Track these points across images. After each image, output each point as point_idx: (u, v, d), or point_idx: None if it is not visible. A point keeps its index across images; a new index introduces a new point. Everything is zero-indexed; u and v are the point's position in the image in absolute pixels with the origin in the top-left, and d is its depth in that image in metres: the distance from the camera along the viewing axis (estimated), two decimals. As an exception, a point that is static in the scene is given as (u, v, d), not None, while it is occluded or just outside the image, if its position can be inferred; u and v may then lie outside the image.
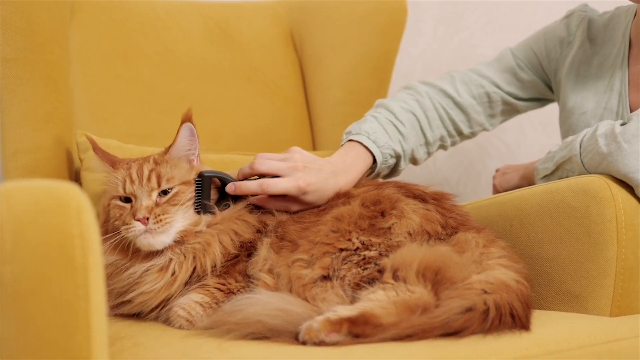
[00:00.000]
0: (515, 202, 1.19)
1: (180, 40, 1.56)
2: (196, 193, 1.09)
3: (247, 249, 1.08)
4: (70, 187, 0.69)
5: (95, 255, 0.68)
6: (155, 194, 1.05)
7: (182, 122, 1.10)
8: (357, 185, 1.19)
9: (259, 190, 1.10)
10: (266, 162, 1.13)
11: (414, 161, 1.38)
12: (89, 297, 0.67)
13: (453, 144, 1.45)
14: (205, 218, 1.08)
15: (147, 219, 1.01)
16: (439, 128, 1.40)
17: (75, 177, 1.32)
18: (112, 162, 1.11)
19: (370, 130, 1.27)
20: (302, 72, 1.72)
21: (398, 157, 1.31)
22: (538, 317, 0.95)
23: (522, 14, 2.07)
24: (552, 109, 1.61)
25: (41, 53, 1.26)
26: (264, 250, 1.06)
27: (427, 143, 1.38)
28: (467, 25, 2.10)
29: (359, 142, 1.25)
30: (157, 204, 1.04)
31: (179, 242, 1.05)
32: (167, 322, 1.03)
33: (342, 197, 1.13)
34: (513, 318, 0.89)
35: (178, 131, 1.10)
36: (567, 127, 1.38)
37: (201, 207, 1.09)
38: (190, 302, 1.01)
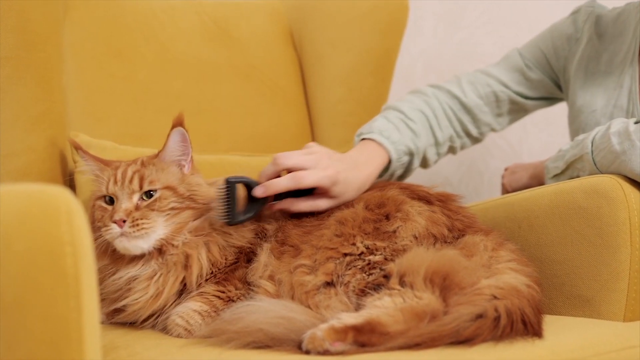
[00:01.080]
0: (523, 203, 1.17)
1: (177, 38, 1.53)
2: (226, 202, 1.03)
3: (246, 255, 1.05)
4: (61, 191, 0.65)
5: (87, 264, 0.64)
6: (136, 197, 1.02)
7: (173, 126, 1.06)
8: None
9: (292, 184, 1.05)
10: (290, 156, 1.08)
11: (424, 162, 1.37)
12: (81, 308, 0.64)
13: (462, 146, 1.43)
14: (189, 226, 1.04)
15: (124, 221, 0.99)
16: (448, 128, 1.38)
17: (70, 179, 1.29)
18: (104, 162, 1.09)
19: (382, 127, 1.25)
20: (301, 71, 1.69)
21: (411, 155, 1.30)
22: (550, 323, 0.92)
23: (523, 12, 2.05)
24: (556, 107, 1.60)
25: (33, 52, 1.22)
26: (264, 256, 1.03)
27: (436, 143, 1.36)
28: (468, 23, 2.09)
29: (373, 140, 1.23)
30: (137, 208, 1.01)
31: (161, 251, 1.02)
32: (165, 330, 1.00)
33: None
34: (525, 325, 0.86)
35: (168, 136, 1.07)
36: (577, 125, 1.36)
37: (230, 216, 1.03)
38: (189, 311, 0.98)
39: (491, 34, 2.07)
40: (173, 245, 1.02)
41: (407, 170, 1.32)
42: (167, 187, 1.04)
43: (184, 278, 1.01)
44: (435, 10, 2.09)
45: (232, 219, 1.03)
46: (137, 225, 0.99)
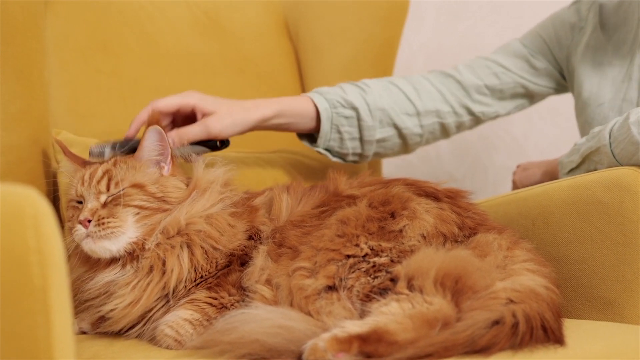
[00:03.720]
0: (538, 199, 1.12)
1: (165, 30, 1.48)
2: None
3: (240, 258, 0.99)
4: (27, 192, 0.58)
5: (57, 274, 0.57)
6: (103, 197, 0.98)
7: (148, 124, 1.02)
8: (362, 184, 1.10)
9: (145, 111, 1.13)
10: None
11: (401, 134, 1.33)
12: (51, 324, 0.57)
13: (458, 125, 1.38)
14: (161, 226, 0.97)
15: (89, 221, 0.94)
16: (433, 101, 1.34)
17: (53, 180, 1.23)
18: (82, 163, 1.06)
19: (317, 89, 1.31)
20: (298, 63, 1.66)
21: (355, 109, 1.29)
22: (571, 328, 0.87)
23: (526, 2, 2.02)
24: (562, 100, 1.58)
25: (12, 45, 1.17)
26: (260, 259, 0.97)
27: (417, 113, 1.33)
28: (470, 13, 2.07)
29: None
30: (103, 206, 0.97)
31: (133, 256, 0.96)
32: (154, 341, 0.95)
33: (345, 198, 1.05)
34: (545, 331, 0.81)
35: (143, 135, 1.02)
36: (584, 120, 1.32)
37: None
38: (179, 320, 0.93)
39: (494, 25, 2.04)
40: (145, 248, 0.96)
41: (361, 128, 1.30)
42: (134, 185, 0.99)
43: (165, 284, 0.95)
44: (437, 1, 2.07)
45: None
46: (103, 224, 0.94)
